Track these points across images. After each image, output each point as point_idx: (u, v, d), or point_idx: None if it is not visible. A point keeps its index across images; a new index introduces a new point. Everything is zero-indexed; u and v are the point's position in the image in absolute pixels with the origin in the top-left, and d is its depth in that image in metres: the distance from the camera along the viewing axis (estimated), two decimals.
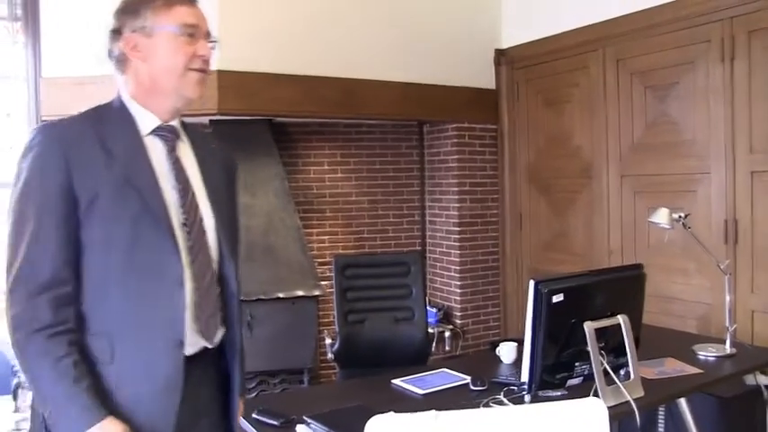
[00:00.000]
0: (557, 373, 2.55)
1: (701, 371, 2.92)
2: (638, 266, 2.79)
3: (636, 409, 2.41)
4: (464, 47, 5.39)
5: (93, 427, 1.59)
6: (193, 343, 1.79)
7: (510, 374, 2.92)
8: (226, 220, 1.94)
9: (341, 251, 5.55)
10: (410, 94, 5.08)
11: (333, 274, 4.06)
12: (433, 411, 1.46)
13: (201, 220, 1.84)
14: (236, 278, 1.93)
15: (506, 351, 3.14)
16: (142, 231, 1.71)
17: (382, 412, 1.49)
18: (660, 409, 3.38)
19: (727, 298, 3.24)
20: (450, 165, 5.49)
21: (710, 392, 3.28)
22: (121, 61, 1.84)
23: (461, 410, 1.45)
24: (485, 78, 5.51)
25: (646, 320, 2.81)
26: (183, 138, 1.92)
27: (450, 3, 5.30)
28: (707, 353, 3.13)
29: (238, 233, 2.04)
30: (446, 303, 5.57)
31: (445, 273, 5.62)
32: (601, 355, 2.47)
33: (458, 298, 5.45)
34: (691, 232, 3.40)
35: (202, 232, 1.84)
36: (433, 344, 4.07)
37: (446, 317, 5.48)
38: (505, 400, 2.57)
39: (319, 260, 5.25)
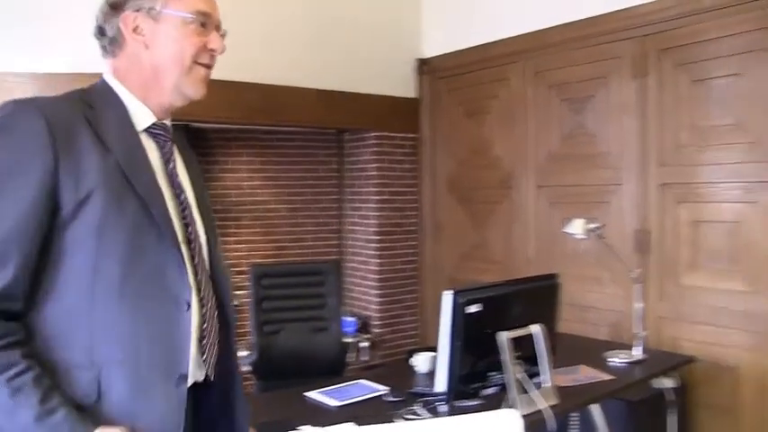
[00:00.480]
0: (472, 382, 2.54)
1: (613, 377, 2.98)
2: (553, 276, 2.81)
3: (549, 418, 2.43)
4: (385, 55, 5.38)
5: None
6: (194, 375, 1.53)
7: (426, 384, 2.89)
8: (213, 234, 1.68)
9: (259, 260, 5.46)
10: (329, 102, 5.03)
11: (249, 284, 3.99)
12: (351, 424, 1.42)
13: (199, 234, 1.60)
14: (231, 298, 1.70)
15: (421, 361, 3.12)
16: (143, 244, 1.44)
17: (299, 426, 1.44)
18: (573, 414, 3.42)
19: (638, 306, 3.31)
20: (370, 173, 5.47)
21: (620, 397, 3.33)
22: (116, 42, 1.56)
23: (380, 425, 1.42)
24: (406, 87, 5.52)
25: (562, 329, 2.84)
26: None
27: (372, 12, 5.29)
28: (618, 359, 3.20)
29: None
30: (365, 312, 5.54)
31: (363, 282, 5.59)
32: (518, 364, 2.47)
33: (376, 307, 5.42)
34: (604, 242, 3.45)
35: (200, 247, 1.59)
36: (349, 354, 4.01)
37: (364, 326, 5.45)
38: (422, 412, 2.55)
39: (236, 269, 5.14)
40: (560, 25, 4.39)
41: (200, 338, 1.54)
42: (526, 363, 2.52)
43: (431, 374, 3.03)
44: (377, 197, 5.43)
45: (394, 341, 5.45)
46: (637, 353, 3.26)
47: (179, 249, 1.49)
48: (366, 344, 3.97)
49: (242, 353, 3.84)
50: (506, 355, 2.44)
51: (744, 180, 3.58)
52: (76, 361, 1.37)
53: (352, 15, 5.17)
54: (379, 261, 5.43)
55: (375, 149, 5.42)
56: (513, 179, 4.80)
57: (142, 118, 1.55)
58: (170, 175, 1.56)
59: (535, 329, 2.54)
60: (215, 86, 4.48)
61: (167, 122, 1.63)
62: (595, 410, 3.22)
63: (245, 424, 1.69)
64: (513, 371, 2.45)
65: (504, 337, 2.45)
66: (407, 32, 5.52)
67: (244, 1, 4.59)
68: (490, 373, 2.56)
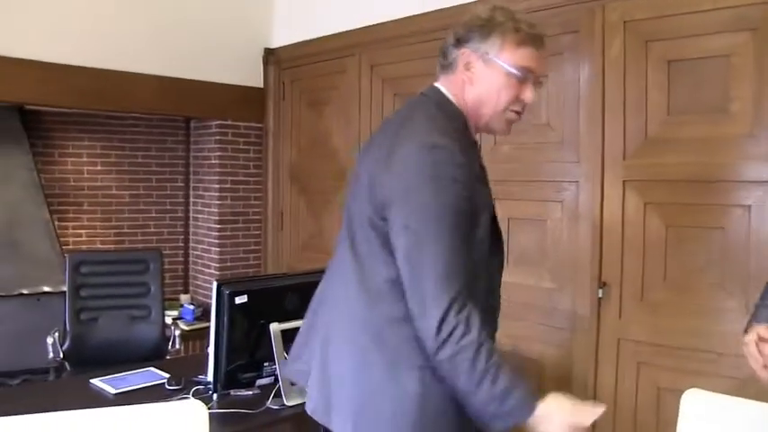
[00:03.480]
0: (247, 372, 2.58)
1: None
2: None
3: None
4: (233, 44, 5.34)
5: (538, 408, 1.63)
6: None
7: None
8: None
9: (99, 245, 5.38)
10: (171, 89, 4.95)
11: (66, 272, 3.91)
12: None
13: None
14: None
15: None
16: (493, 249, 1.80)
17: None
18: None
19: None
20: (213, 162, 5.43)
21: None
22: (450, 67, 1.84)
23: (51, 413, 1.42)
24: (253, 76, 5.49)
25: None
26: None
27: (221, 0, 5.24)
28: None
29: None
30: (207, 300, 5.51)
31: (206, 270, 5.56)
32: None
33: None
34: None
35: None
36: (171, 342, 4.00)
37: (205, 314, 5.42)
38: (191, 399, 2.56)
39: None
40: (395, 20, 4.45)
41: None
42: None
43: None
44: (219, 185, 5.40)
45: None
46: None
47: (503, 252, 1.90)
48: (178, 332, 3.95)
49: (48, 340, 3.80)
50: (276, 346, 2.49)
51: (551, 179, 3.72)
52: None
53: (199, 3, 5.11)
54: (219, 249, 5.41)
55: (218, 138, 5.39)
56: (348, 171, 4.85)
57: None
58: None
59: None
60: (45, 69, 4.40)
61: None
62: None
63: None
64: (281, 361, 2.49)
65: (274, 328, 2.49)
66: (256, 22, 5.49)
67: None
68: (266, 364, 2.60)
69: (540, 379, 3.75)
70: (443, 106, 1.83)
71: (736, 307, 2.95)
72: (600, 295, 3.43)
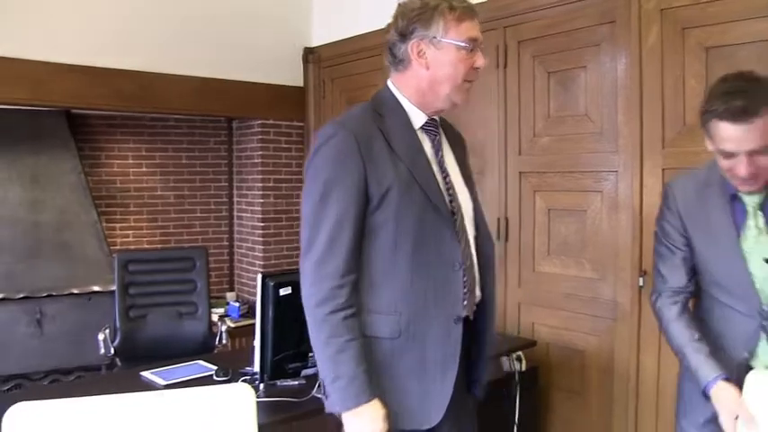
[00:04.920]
0: (292, 362, 2.64)
1: None
2: None
3: None
4: (273, 44, 5.42)
5: (363, 405, 1.80)
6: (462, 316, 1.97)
7: None
8: (476, 199, 2.11)
9: (146, 246, 5.49)
10: (212, 90, 5.05)
11: (115, 271, 4.02)
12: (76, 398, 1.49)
13: (461, 205, 2.00)
14: (493, 251, 2.10)
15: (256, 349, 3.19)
16: (426, 222, 1.89)
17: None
18: None
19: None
20: (255, 161, 5.52)
21: None
22: (403, 61, 1.96)
23: (103, 396, 1.49)
24: (293, 75, 5.56)
25: None
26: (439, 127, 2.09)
27: (260, 0, 5.31)
28: None
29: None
30: (252, 298, 5.60)
31: (251, 268, 5.65)
32: None
33: None
34: None
35: (462, 217, 1.99)
36: (218, 338, 4.08)
37: (251, 311, 5.51)
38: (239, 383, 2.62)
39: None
40: None
41: (465, 290, 1.96)
42: None
43: None
44: (262, 184, 5.48)
45: None
46: None
47: (452, 223, 1.93)
48: (224, 327, 4.03)
49: (99, 336, 3.90)
50: None
51: (591, 169, 3.73)
52: (384, 309, 1.90)
53: (239, 4, 5.18)
54: (263, 248, 5.50)
55: (260, 137, 5.47)
56: None
57: (417, 118, 2.00)
58: (439, 162, 2.00)
59: None
60: (89, 74, 4.51)
61: (436, 118, 2.05)
62: None
63: (490, 350, 2.15)
64: None
65: None
66: (295, 21, 5.56)
67: None
68: (311, 354, 2.64)
69: (584, 368, 3.77)
70: (375, 98, 2.03)
71: None
72: (641, 284, 3.43)
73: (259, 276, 2.53)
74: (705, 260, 2.14)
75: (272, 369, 2.58)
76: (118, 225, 5.43)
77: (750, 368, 2.04)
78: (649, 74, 3.41)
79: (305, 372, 2.67)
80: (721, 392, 1.98)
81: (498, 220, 4.13)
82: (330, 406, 1.86)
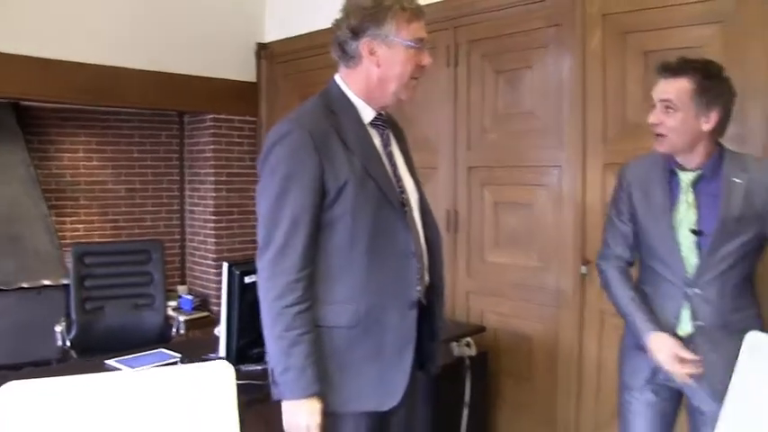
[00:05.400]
0: (255, 347, 2.73)
1: None
2: None
3: None
4: (225, 39, 5.47)
5: (308, 398, 1.91)
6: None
7: None
8: (421, 191, 2.23)
9: (97, 240, 5.51)
10: (165, 84, 5.09)
11: (70, 264, 4.05)
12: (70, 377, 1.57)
13: (409, 197, 2.12)
14: (440, 238, 2.23)
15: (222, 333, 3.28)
16: (381, 215, 1.99)
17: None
18: None
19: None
20: (208, 155, 5.58)
21: None
22: (354, 58, 2.05)
23: (87, 375, 1.56)
24: (246, 71, 5.64)
25: None
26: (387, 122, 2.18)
27: None
28: None
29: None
30: (204, 291, 5.66)
31: (203, 261, 5.71)
32: None
33: (214, 285, 5.55)
34: None
35: (411, 208, 2.11)
36: (176, 328, 4.15)
37: (203, 304, 5.58)
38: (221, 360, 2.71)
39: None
40: None
41: (418, 277, 2.07)
42: None
43: None
44: (214, 178, 5.54)
45: None
46: None
47: (404, 215, 2.05)
48: (182, 318, 4.12)
49: (56, 329, 3.93)
50: None
51: (536, 164, 3.90)
52: (342, 300, 1.99)
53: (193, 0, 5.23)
54: (215, 241, 5.56)
55: (213, 132, 5.53)
56: None
57: (367, 114, 2.09)
58: (388, 156, 2.10)
59: None
60: (40, 65, 4.49)
61: (383, 113, 2.14)
62: None
63: (441, 333, 2.28)
64: None
65: None
66: (248, 17, 5.63)
67: None
68: None
69: (531, 353, 3.94)
70: (324, 94, 2.13)
71: None
72: (583, 271, 3.62)
73: (225, 264, 2.63)
74: (644, 229, 2.39)
75: (237, 354, 2.67)
76: (68, 219, 5.44)
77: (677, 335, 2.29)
78: (592, 75, 3.60)
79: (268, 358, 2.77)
80: (658, 339, 2.27)
81: (448, 212, 4.28)
82: (278, 394, 1.98)
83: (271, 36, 5.66)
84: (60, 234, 5.15)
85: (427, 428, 3.53)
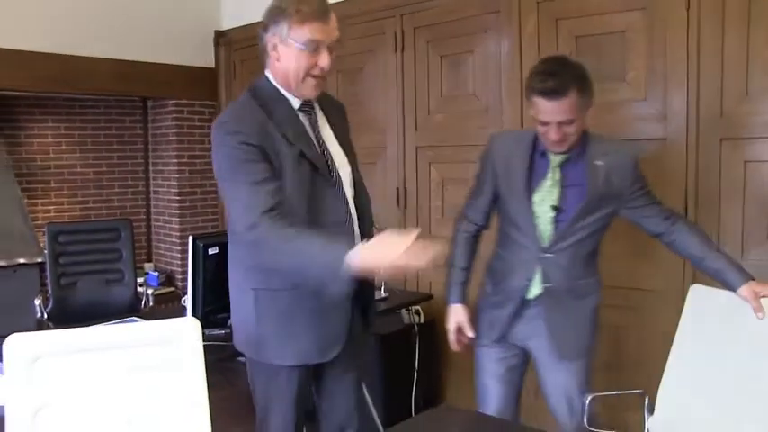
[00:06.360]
0: (219, 313, 3.02)
1: None
2: None
3: None
4: (185, 27, 5.68)
5: (350, 253, 1.95)
6: None
7: None
8: (354, 161, 2.42)
9: (67, 220, 5.72)
10: (127, 71, 5.29)
11: (45, 242, 4.28)
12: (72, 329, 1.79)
13: (339, 172, 2.29)
14: (369, 203, 2.43)
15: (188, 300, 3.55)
16: (316, 190, 2.20)
17: None
18: None
19: None
20: (170, 138, 5.82)
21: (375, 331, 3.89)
22: (265, 53, 2.24)
23: (72, 329, 1.80)
24: (205, 58, 5.86)
25: None
26: (315, 105, 2.32)
27: None
28: None
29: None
30: (169, 267, 5.92)
31: (168, 239, 5.96)
32: None
33: (179, 262, 5.83)
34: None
35: (341, 181, 2.29)
36: (146, 301, 4.42)
37: (169, 280, 5.84)
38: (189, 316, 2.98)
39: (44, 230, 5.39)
40: (338, 3, 4.82)
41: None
42: None
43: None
44: (177, 160, 5.79)
45: None
46: (381, 292, 3.89)
47: (335, 185, 2.25)
48: (150, 291, 4.38)
49: (36, 301, 4.17)
50: None
51: (479, 143, 4.15)
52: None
53: None
54: (179, 219, 5.82)
55: (175, 116, 5.76)
56: None
57: (294, 102, 2.25)
58: (317, 137, 2.27)
59: None
60: (6, 55, 4.67)
61: (311, 99, 2.29)
62: None
63: (374, 284, 2.53)
64: None
65: None
66: (206, 5, 5.84)
67: None
68: None
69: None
70: (254, 87, 2.29)
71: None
72: None
73: (190, 238, 2.90)
74: (505, 200, 2.62)
75: (202, 319, 2.94)
76: (40, 201, 5.66)
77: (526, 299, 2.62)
78: (528, 58, 3.86)
79: (230, 322, 3.05)
80: (454, 309, 2.75)
81: (398, 189, 4.58)
82: (343, 272, 1.97)
83: (228, 23, 5.87)
84: (33, 216, 5.38)
85: (378, 392, 3.83)
